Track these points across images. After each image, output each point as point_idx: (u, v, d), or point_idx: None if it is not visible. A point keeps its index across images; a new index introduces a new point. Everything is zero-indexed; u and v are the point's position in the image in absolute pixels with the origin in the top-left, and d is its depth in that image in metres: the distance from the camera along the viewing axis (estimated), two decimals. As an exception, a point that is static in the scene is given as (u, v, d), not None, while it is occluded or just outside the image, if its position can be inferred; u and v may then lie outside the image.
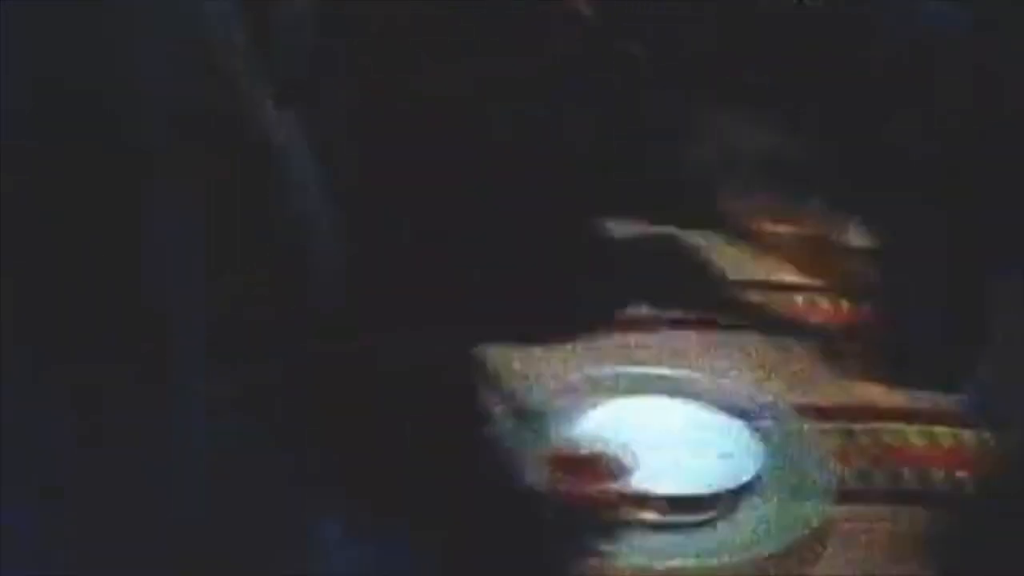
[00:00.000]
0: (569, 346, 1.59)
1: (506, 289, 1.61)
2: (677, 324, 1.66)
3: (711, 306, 1.71)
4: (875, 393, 1.57)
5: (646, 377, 1.50)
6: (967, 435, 1.50)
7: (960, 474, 1.44)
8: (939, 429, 1.51)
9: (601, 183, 1.69)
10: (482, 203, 1.55)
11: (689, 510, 1.32)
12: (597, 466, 1.31)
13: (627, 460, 1.29)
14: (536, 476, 1.31)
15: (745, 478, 1.35)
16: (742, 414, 1.45)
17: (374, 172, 1.49)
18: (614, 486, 1.30)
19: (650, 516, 1.31)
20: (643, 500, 1.31)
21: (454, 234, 1.57)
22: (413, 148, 1.53)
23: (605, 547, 1.27)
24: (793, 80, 1.86)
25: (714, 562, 1.27)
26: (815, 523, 1.32)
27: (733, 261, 1.82)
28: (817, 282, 1.80)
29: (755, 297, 1.75)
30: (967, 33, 1.55)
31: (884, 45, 1.63)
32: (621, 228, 1.81)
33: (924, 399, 1.56)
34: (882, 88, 1.67)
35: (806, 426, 1.46)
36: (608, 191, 1.72)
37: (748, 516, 1.34)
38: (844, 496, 1.38)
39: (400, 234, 1.51)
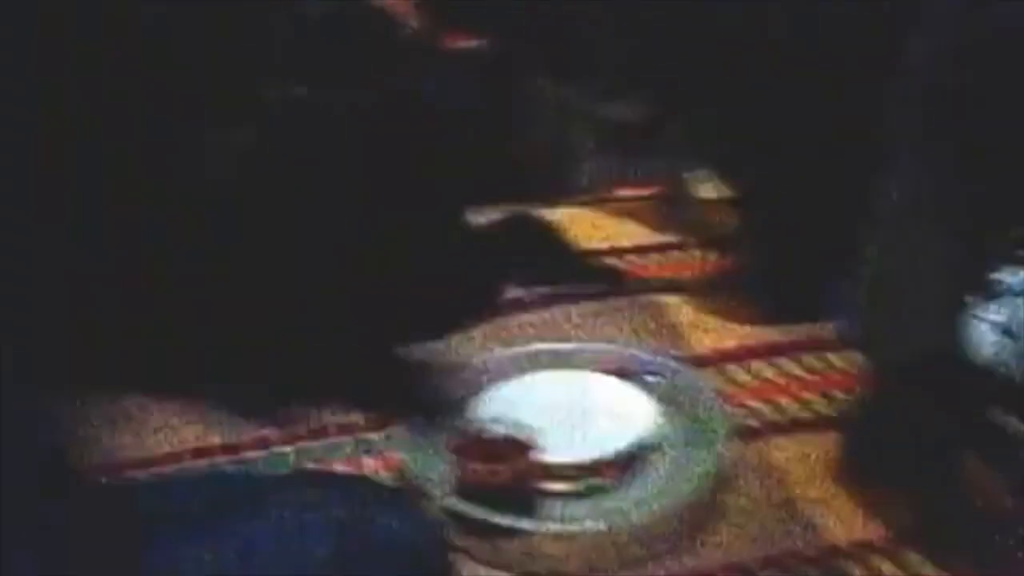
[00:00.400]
0: (451, 337, 1.62)
1: (377, 289, 1.64)
2: (550, 300, 1.71)
3: (578, 278, 1.76)
4: (750, 334, 1.64)
5: (531, 355, 1.54)
6: (841, 360, 1.57)
7: (839, 396, 1.52)
8: (813, 358, 1.59)
9: (455, 173, 1.71)
10: (347, 211, 1.57)
11: (594, 474, 1.37)
12: (500, 446, 1.34)
13: (527, 436, 1.33)
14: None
15: (642, 435, 1.40)
16: (629, 375, 1.50)
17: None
18: (519, 463, 1.33)
19: (558, 486, 1.35)
20: (549, 471, 1.35)
21: (325, 239, 1.59)
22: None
23: (519, 522, 1.30)
24: (631, 47, 1.91)
25: (625, 520, 1.31)
26: (714, 467, 1.37)
27: (590, 229, 1.88)
28: (676, 238, 1.87)
29: (619, 262, 1.81)
30: None
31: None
32: (480, 215, 1.85)
33: (797, 331, 1.63)
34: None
35: (691, 376, 1.51)
36: (462, 180, 1.74)
37: (651, 471, 1.38)
38: (735, 436, 1.43)
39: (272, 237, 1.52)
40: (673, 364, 1.53)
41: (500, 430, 1.36)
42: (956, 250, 1.37)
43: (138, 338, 1.51)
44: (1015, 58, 1.27)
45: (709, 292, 1.74)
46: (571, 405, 1.45)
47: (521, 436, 1.35)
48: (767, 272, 1.74)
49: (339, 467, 1.43)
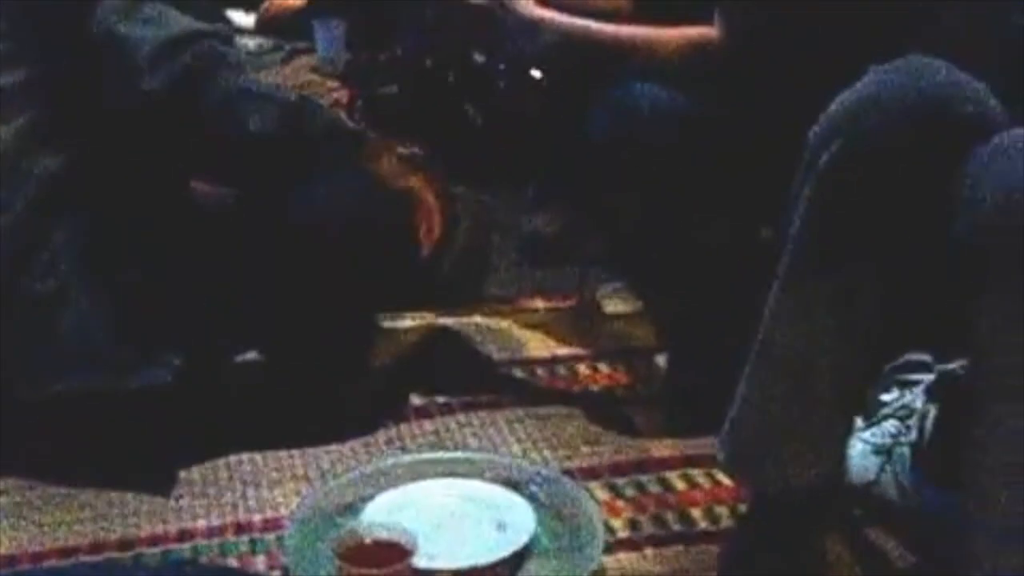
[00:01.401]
0: (347, 442, 1.69)
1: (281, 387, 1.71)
2: (450, 409, 1.77)
3: (482, 388, 1.83)
4: (645, 447, 1.70)
5: (423, 462, 1.61)
6: (723, 477, 1.62)
7: (723, 513, 1.57)
8: (697, 472, 1.65)
9: (369, 276, 1.77)
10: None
11: (473, 581, 1.42)
12: (382, 551, 1.39)
13: (409, 542, 1.38)
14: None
15: (521, 544, 1.45)
16: (514, 485, 1.56)
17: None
18: (399, 568, 1.38)
19: (438, 592, 1.41)
20: (429, 578, 1.40)
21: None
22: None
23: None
24: (544, 160, 1.98)
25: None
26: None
27: (500, 338, 1.94)
28: (579, 351, 1.93)
29: (524, 373, 1.88)
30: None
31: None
32: (393, 319, 1.92)
33: (692, 446, 1.68)
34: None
35: (574, 487, 1.57)
36: (376, 285, 1.80)
37: (528, 578, 1.44)
38: (614, 546, 1.49)
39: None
40: (558, 476, 1.59)
41: (384, 535, 1.41)
42: (843, 366, 1.37)
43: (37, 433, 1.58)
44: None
45: (612, 405, 1.80)
46: (455, 513, 1.51)
47: (403, 541, 1.40)
48: (674, 386, 1.80)
49: (232, 563, 1.49)
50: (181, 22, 1.59)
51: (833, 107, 1.28)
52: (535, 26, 1.78)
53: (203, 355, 1.63)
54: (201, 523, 1.56)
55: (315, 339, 1.67)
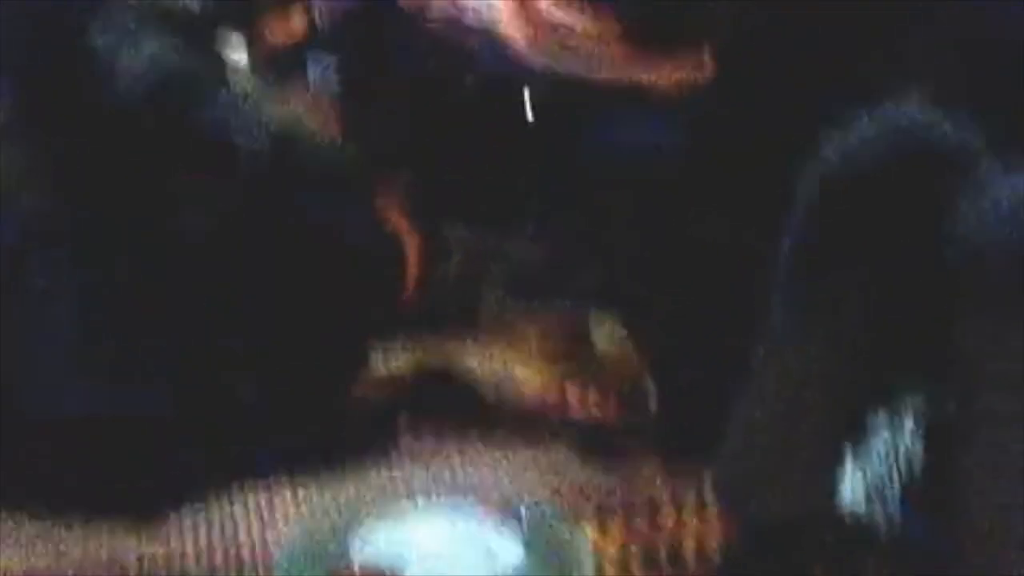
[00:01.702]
0: (335, 471, 1.68)
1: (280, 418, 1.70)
2: (439, 441, 1.76)
3: (468, 417, 1.82)
4: (634, 481, 1.69)
5: (410, 493, 1.61)
6: (713, 511, 1.62)
7: (708, 544, 1.57)
8: (688, 504, 1.64)
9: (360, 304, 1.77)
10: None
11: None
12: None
13: (395, 573, 1.38)
14: None
15: (507, 573, 1.45)
16: (503, 516, 1.55)
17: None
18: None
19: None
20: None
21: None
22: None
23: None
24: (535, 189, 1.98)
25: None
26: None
27: (487, 369, 1.94)
28: (569, 381, 1.93)
29: (514, 404, 1.88)
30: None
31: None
32: (382, 348, 1.92)
33: (672, 478, 1.68)
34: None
35: (563, 519, 1.57)
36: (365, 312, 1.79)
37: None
38: (603, 577, 1.49)
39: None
40: (547, 507, 1.59)
41: (372, 565, 1.41)
42: (832, 395, 1.39)
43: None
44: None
45: (602, 436, 1.80)
46: (443, 543, 1.50)
47: (390, 572, 1.40)
48: (665, 417, 1.80)
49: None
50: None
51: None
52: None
53: (199, 383, 1.63)
54: (189, 548, 1.56)
55: (305, 365, 1.67)
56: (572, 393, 1.91)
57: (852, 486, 1.58)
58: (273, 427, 1.68)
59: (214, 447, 1.67)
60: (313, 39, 2.65)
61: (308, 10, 2.24)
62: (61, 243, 1.60)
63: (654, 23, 1.69)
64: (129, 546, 1.56)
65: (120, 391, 1.59)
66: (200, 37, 1.74)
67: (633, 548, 1.57)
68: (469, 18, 1.86)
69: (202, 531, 1.58)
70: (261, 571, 1.52)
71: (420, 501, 1.58)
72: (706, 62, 1.63)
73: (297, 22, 2.57)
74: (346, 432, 1.74)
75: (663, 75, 1.66)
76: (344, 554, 1.45)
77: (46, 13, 1.60)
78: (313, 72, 2.64)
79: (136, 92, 1.56)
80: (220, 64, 1.82)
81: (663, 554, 1.56)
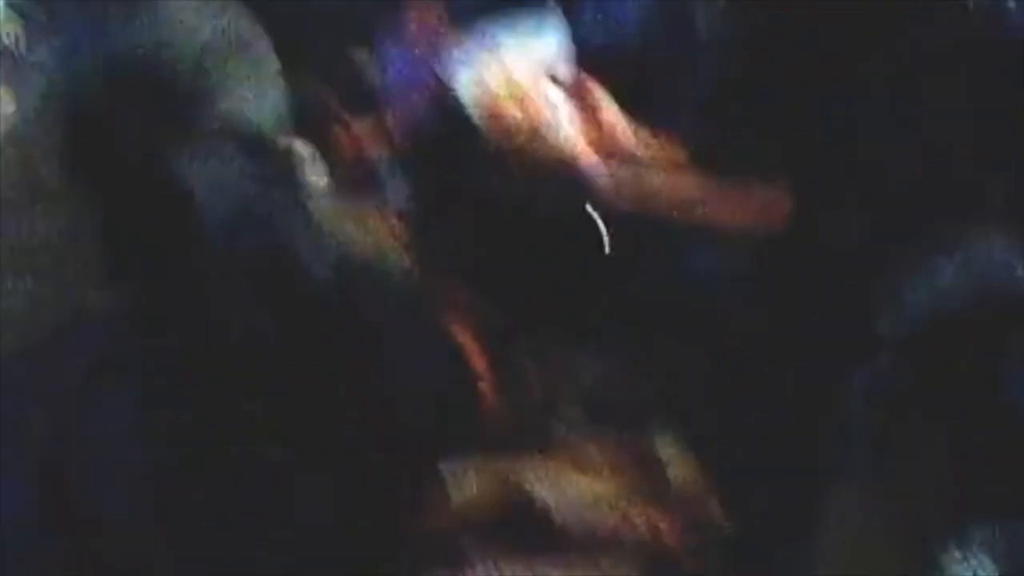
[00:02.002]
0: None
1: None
2: (501, 554, 1.76)
3: (531, 532, 1.81)
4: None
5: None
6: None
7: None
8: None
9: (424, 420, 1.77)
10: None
11: None
12: None
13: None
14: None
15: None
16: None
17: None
18: None
19: None
20: None
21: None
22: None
23: None
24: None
25: None
26: None
27: (549, 485, 1.93)
28: (632, 497, 1.91)
29: (571, 519, 1.86)
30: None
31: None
32: (448, 465, 1.91)
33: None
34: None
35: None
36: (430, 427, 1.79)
37: None
38: None
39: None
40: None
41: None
42: (906, 532, 1.39)
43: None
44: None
45: (664, 553, 1.78)
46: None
47: None
48: (731, 543, 1.78)
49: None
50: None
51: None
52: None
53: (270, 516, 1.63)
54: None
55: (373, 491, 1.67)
56: (639, 515, 1.90)
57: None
58: (339, 553, 1.68)
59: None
60: (389, 155, 2.69)
61: (381, 121, 2.25)
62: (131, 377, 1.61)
63: (724, 150, 1.68)
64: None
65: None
66: (278, 160, 1.76)
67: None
68: (543, 137, 1.88)
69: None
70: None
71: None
72: (783, 199, 1.62)
73: (369, 135, 2.61)
74: (412, 558, 1.73)
75: (737, 214, 1.66)
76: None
77: (127, 132, 1.62)
78: (389, 190, 2.67)
79: (215, 222, 1.58)
80: (297, 188, 1.84)
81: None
